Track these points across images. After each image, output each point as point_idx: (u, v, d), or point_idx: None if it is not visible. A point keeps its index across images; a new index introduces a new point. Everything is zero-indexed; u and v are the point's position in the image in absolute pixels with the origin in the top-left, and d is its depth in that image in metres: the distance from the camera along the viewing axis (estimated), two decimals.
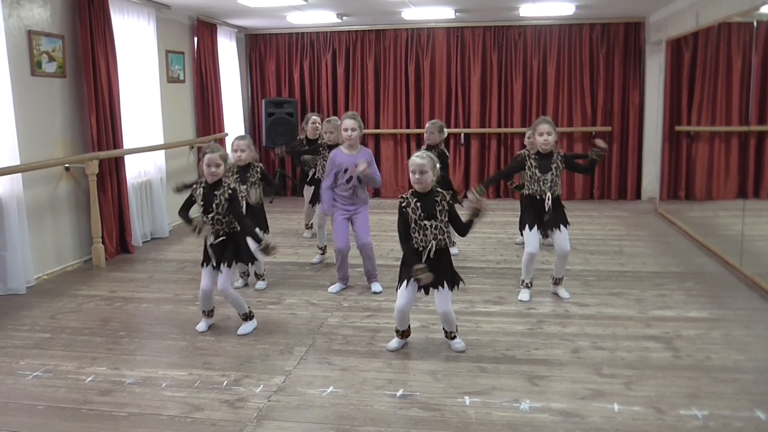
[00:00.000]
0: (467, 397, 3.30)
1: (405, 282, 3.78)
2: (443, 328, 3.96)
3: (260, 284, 5.26)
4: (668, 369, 3.59)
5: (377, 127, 9.59)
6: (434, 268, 3.64)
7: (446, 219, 3.68)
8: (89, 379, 3.60)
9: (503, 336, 4.12)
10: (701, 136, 6.99)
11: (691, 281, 5.23)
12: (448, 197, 3.68)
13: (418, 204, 3.65)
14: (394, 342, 3.96)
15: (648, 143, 9.01)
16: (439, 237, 3.68)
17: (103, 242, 6.07)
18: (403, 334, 3.96)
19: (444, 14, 8.45)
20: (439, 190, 3.71)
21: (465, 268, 5.67)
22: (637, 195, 9.20)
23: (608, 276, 5.41)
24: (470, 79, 9.37)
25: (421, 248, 3.68)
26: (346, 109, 9.70)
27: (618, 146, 9.15)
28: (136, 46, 6.89)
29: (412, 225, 3.68)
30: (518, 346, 3.95)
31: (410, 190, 3.74)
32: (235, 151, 4.97)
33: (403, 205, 3.70)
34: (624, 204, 8.90)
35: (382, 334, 4.17)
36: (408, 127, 9.56)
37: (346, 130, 4.89)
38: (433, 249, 3.66)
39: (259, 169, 5.07)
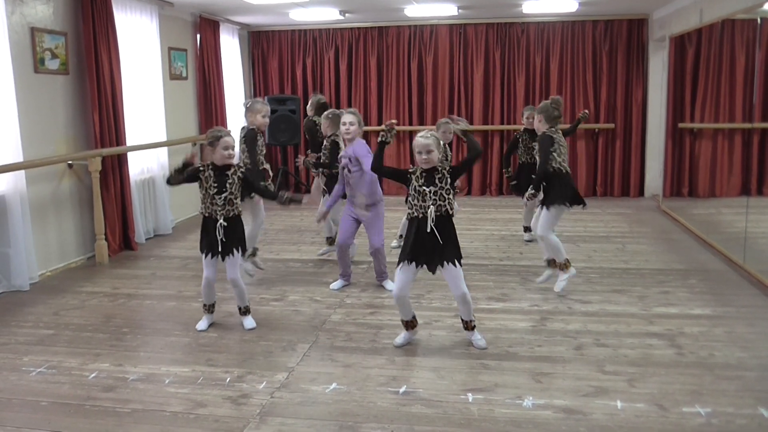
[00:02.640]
0: (470, 394, 3.30)
1: (398, 264, 3.80)
2: (461, 318, 3.94)
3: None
4: (671, 366, 3.59)
5: (380, 124, 9.57)
6: (435, 241, 3.66)
7: (446, 185, 3.70)
8: (93, 375, 3.60)
9: (506, 333, 4.12)
10: (705, 133, 6.98)
11: (695, 278, 5.22)
12: (448, 167, 3.75)
13: (423, 174, 3.74)
14: (400, 337, 3.96)
15: (651, 140, 8.99)
16: (439, 202, 3.70)
17: (106, 239, 6.07)
18: (408, 325, 3.95)
19: (447, 11, 8.43)
20: (442, 165, 3.76)
21: (468, 264, 5.63)
22: (640, 192, 9.19)
23: (611, 273, 5.40)
24: (473, 76, 9.36)
25: (420, 215, 3.70)
26: (349, 106, 9.69)
27: (621, 143, 9.13)
28: (139, 43, 6.89)
29: (412, 192, 3.75)
30: (521, 343, 3.95)
31: (419, 166, 3.80)
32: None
33: (411, 170, 3.79)
34: (627, 201, 8.89)
35: (385, 331, 4.17)
36: (411, 124, 9.54)
37: (344, 124, 4.92)
38: (433, 214, 3.67)
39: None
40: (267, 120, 5.19)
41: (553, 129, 4.77)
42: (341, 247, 5.03)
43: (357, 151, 4.87)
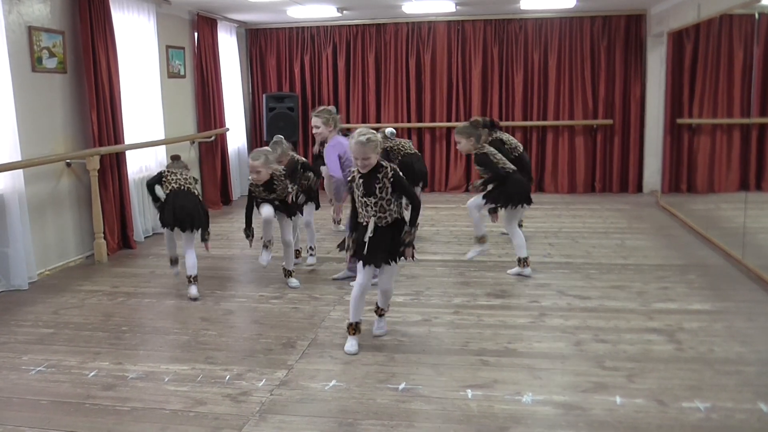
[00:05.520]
0: (469, 391, 3.30)
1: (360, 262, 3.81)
2: (376, 303, 4.00)
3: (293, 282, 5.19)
4: (671, 361, 3.59)
5: (378, 121, 9.56)
6: (376, 245, 3.68)
7: (388, 196, 3.67)
8: (92, 374, 3.60)
9: (505, 329, 4.12)
10: (703, 129, 6.98)
11: (694, 274, 5.23)
12: (391, 173, 3.66)
13: (361, 181, 3.70)
14: (352, 344, 3.82)
15: (649, 136, 8.99)
16: (380, 214, 3.68)
17: (104, 238, 6.07)
18: (356, 328, 3.85)
19: (445, 8, 8.42)
20: (383, 164, 3.70)
21: (467, 261, 5.65)
22: (639, 188, 9.18)
23: (610, 269, 5.41)
24: (471, 72, 9.35)
25: (365, 222, 3.72)
26: (347, 104, 9.71)
27: (619, 139, 9.13)
28: (137, 41, 6.88)
29: (357, 200, 3.75)
30: (520, 339, 3.95)
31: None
32: (251, 172, 4.86)
33: (349, 179, 3.79)
34: (626, 197, 8.89)
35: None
36: (409, 121, 9.54)
37: (313, 129, 5.13)
38: (372, 225, 3.67)
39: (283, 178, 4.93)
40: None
41: (480, 145, 5.14)
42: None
43: (330, 152, 5.01)
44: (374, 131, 3.73)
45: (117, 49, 6.29)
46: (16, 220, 5.15)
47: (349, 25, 9.52)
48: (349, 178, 3.78)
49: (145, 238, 6.86)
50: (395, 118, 9.56)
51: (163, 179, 4.87)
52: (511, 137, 6.45)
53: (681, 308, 4.44)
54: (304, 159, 5.49)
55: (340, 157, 5.13)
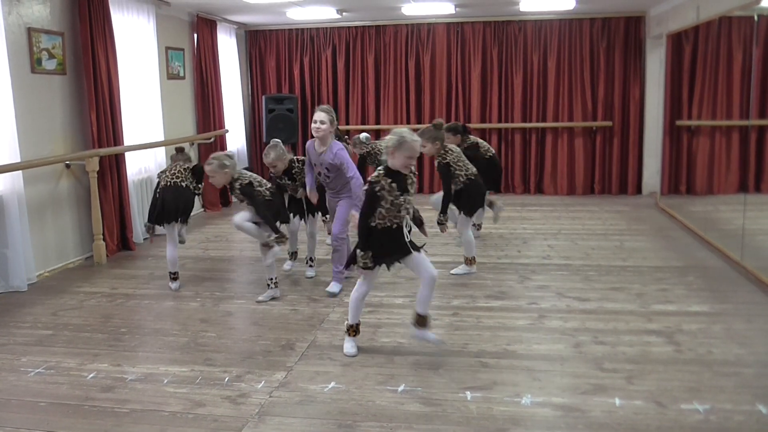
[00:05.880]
0: (469, 392, 3.30)
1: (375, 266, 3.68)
2: (416, 312, 3.74)
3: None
4: (670, 363, 3.59)
5: (378, 122, 9.57)
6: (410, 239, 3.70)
7: (414, 189, 3.73)
8: (91, 375, 3.60)
9: (504, 331, 4.13)
10: (702, 131, 6.99)
11: (693, 275, 5.23)
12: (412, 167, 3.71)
13: (393, 185, 3.57)
14: (351, 345, 3.85)
15: (649, 138, 9.00)
16: (409, 208, 3.71)
17: (104, 239, 6.07)
18: (355, 330, 3.87)
19: (444, 9, 8.43)
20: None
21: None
22: (638, 189, 9.19)
23: (609, 271, 5.41)
24: (470, 74, 9.36)
25: (395, 225, 3.61)
26: (347, 105, 9.71)
27: (619, 141, 9.13)
28: (136, 42, 6.89)
29: (388, 206, 3.57)
30: (519, 341, 3.95)
31: (382, 171, 3.60)
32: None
33: (377, 189, 3.54)
34: (625, 198, 8.89)
35: (383, 330, 4.17)
36: (408, 122, 9.54)
37: (315, 122, 4.76)
38: (410, 222, 3.69)
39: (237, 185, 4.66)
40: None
41: (444, 152, 5.22)
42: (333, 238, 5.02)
43: (340, 156, 4.78)
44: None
45: (116, 50, 6.30)
46: (16, 222, 5.15)
47: (349, 27, 9.53)
48: (377, 189, 3.54)
49: (144, 239, 6.85)
50: (394, 120, 9.56)
51: (158, 180, 5.15)
52: (484, 142, 6.64)
53: (680, 310, 4.44)
54: (303, 158, 5.46)
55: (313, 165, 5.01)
